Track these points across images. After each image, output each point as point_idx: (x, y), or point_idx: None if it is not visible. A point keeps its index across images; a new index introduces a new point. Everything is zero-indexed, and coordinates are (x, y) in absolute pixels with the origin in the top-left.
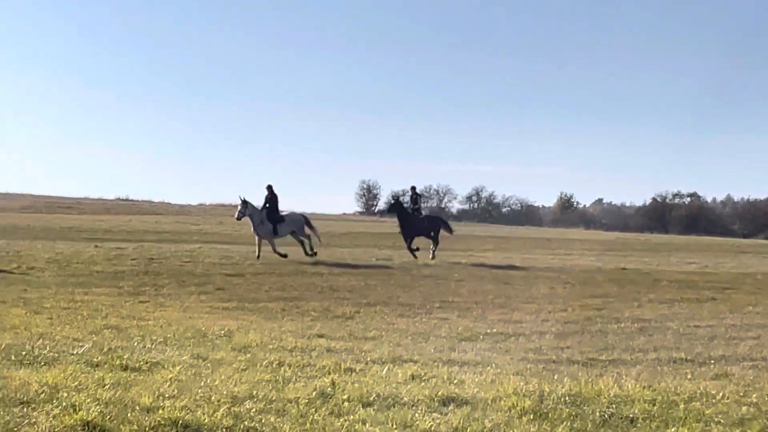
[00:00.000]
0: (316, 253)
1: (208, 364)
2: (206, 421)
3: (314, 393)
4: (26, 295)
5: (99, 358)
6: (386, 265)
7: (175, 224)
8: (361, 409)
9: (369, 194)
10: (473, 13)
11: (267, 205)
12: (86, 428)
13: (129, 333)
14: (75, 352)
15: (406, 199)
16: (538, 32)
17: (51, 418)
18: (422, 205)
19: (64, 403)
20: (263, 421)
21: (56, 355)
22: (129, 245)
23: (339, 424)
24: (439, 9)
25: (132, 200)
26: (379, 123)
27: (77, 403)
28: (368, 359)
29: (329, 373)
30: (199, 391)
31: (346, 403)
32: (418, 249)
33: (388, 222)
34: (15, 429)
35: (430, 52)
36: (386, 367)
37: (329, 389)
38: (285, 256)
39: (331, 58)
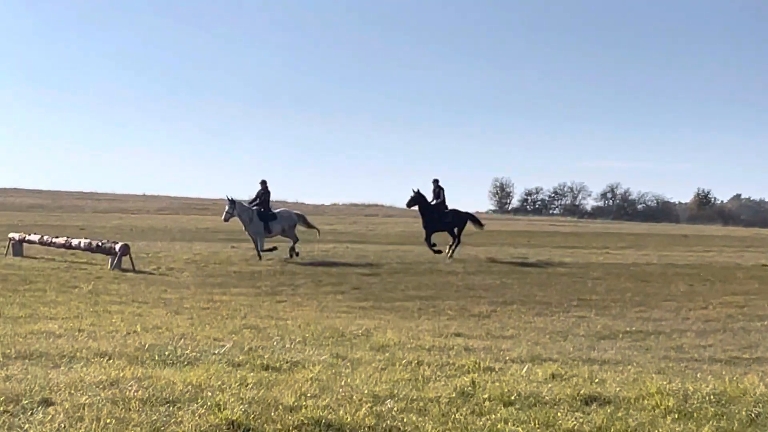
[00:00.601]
0: (297, 254)
1: (348, 364)
2: (349, 420)
3: (454, 392)
4: (166, 295)
5: (240, 358)
6: (522, 263)
7: None
8: (503, 408)
9: (502, 192)
10: (600, 10)
11: (257, 200)
12: (231, 427)
13: (268, 333)
14: (216, 352)
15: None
16: (666, 30)
17: (196, 417)
18: (446, 198)
19: (208, 403)
20: (405, 420)
21: (198, 354)
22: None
23: (481, 423)
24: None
25: None
26: (513, 121)
27: (221, 403)
28: (507, 358)
29: (468, 372)
30: (340, 390)
31: (487, 402)
32: (434, 245)
33: (522, 220)
34: (162, 428)
35: (564, 50)
36: (525, 366)
37: (469, 388)
38: (274, 248)
39: (465, 61)
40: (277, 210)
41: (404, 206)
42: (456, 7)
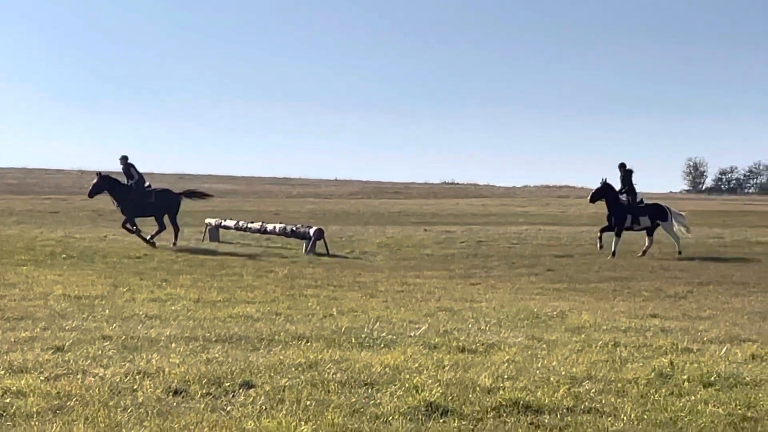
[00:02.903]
0: None
1: (543, 345)
2: (547, 401)
3: (653, 373)
4: (361, 279)
5: (436, 340)
6: (718, 244)
7: (501, 206)
8: (702, 389)
9: (696, 172)
10: None
11: None
12: (429, 409)
13: (463, 315)
14: (412, 334)
15: None
16: None
17: (395, 399)
18: (139, 174)
19: (406, 384)
20: (603, 401)
21: (394, 337)
22: (457, 228)
23: (680, 404)
24: None
25: (457, 184)
26: (705, 101)
27: (419, 384)
28: (705, 339)
29: (666, 353)
30: (537, 372)
31: (686, 384)
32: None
33: (716, 199)
34: (361, 410)
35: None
36: (724, 347)
37: (668, 369)
38: None
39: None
40: None
41: (598, 185)
42: None
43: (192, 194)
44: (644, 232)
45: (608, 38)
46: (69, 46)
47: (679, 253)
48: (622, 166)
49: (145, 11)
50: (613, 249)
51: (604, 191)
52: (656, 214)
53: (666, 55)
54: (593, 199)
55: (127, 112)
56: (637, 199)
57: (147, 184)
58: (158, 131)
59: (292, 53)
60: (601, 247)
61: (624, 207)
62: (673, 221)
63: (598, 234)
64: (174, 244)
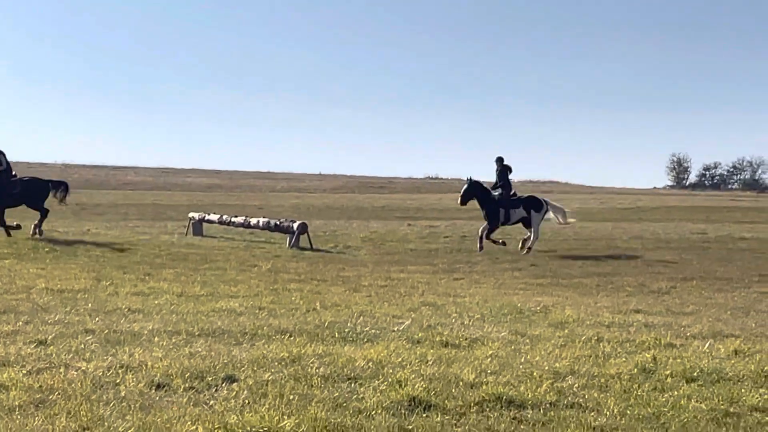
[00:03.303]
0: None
1: (527, 340)
2: (530, 396)
3: (636, 368)
4: (344, 273)
5: (419, 335)
6: (701, 239)
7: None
8: (685, 384)
9: (680, 167)
10: None
11: None
12: (412, 403)
13: (446, 310)
14: (396, 329)
15: None
16: None
17: (378, 394)
18: (7, 163)
19: (389, 379)
20: (586, 396)
21: (378, 331)
22: (441, 223)
23: (663, 399)
24: None
25: (441, 179)
26: (690, 96)
27: (402, 379)
28: (688, 334)
29: (649, 349)
30: (521, 366)
31: (669, 379)
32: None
33: (700, 195)
34: (344, 404)
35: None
36: (707, 343)
37: (651, 365)
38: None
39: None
40: None
41: (583, 183)
42: None
43: (58, 185)
44: (528, 227)
45: (592, 33)
46: (51, 36)
47: (529, 248)
48: (499, 160)
49: (127, 1)
50: (479, 245)
51: (473, 190)
52: (530, 205)
53: (650, 51)
54: (464, 201)
55: (110, 105)
56: (511, 192)
57: (14, 173)
58: (142, 124)
59: (277, 47)
60: (481, 248)
61: (496, 202)
62: (550, 213)
63: (480, 236)
64: (38, 228)
